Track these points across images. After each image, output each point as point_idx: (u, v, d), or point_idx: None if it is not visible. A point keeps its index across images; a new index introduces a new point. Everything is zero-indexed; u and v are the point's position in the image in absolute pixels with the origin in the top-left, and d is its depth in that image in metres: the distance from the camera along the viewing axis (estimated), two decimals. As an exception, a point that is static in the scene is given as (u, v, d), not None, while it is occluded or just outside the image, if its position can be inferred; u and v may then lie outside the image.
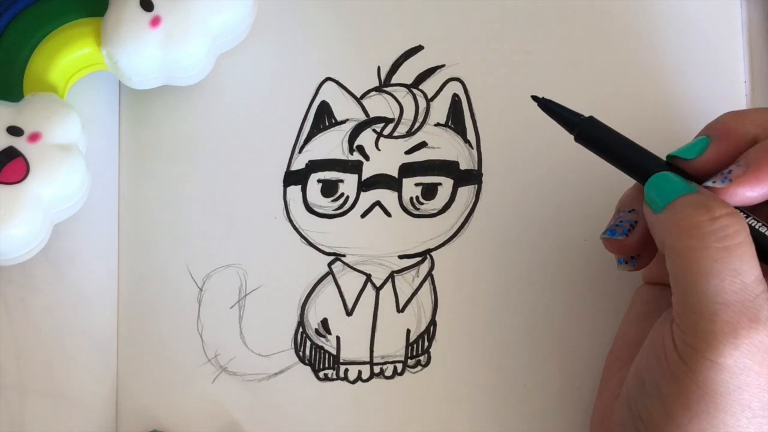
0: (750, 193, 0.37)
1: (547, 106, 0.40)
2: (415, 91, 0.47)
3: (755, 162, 0.37)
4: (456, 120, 0.47)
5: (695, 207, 0.36)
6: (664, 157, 0.39)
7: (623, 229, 0.39)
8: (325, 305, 0.46)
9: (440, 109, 0.47)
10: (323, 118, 0.47)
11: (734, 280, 0.34)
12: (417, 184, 0.46)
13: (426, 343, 0.45)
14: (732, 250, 0.34)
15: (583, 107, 0.47)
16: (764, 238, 0.36)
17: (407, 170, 0.47)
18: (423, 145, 0.47)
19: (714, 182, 0.37)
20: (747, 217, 0.37)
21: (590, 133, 0.40)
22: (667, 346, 0.35)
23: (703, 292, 0.34)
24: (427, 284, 0.46)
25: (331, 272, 0.46)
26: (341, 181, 0.47)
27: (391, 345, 0.45)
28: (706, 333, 0.34)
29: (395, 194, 0.46)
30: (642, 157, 0.39)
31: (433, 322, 0.45)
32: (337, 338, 0.45)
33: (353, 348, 0.45)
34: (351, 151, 0.47)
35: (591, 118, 0.40)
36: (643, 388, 0.36)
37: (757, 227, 0.37)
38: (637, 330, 0.41)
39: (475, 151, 0.47)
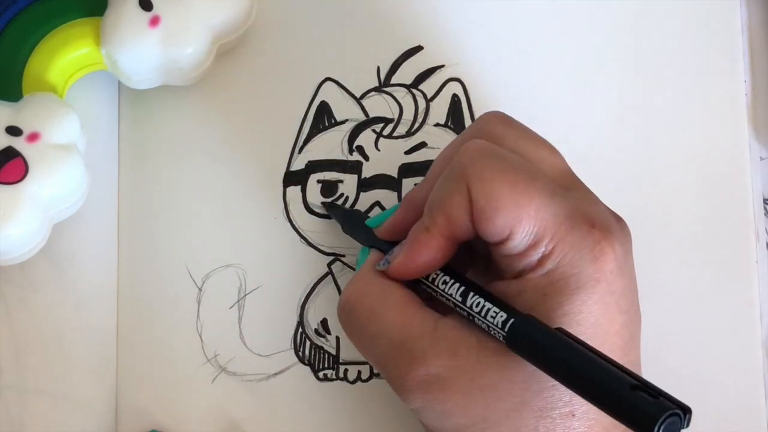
0: (408, 270, 0.39)
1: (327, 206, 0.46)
2: (414, 91, 0.47)
3: (407, 243, 0.39)
4: (456, 120, 0.47)
5: (340, 299, 0.40)
6: None
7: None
8: (325, 305, 0.46)
9: (440, 110, 0.47)
10: (323, 118, 0.47)
11: (383, 339, 0.38)
12: (417, 185, 0.46)
13: (426, 344, 0.45)
14: (367, 319, 0.38)
15: (582, 107, 0.47)
16: (444, 296, 0.38)
17: (407, 170, 0.46)
18: (422, 145, 0.47)
19: (381, 265, 0.40)
20: (436, 275, 0.39)
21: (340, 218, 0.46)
22: None
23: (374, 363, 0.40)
24: (426, 284, 0.46)
25: (330, 272, 0.46)
26: (341, 181, 0.47)
27: (391, 345, 0.45)
28: (394, 379, 0.38)
29: (395, 194, 0.46)
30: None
31: (432, 323, 0.45)
32: (337, 338, 0.45)
33: (353, 348, 0.45)
34: (351, 151, 0.47)
35: (331, 204, 0.46)
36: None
37: (437, 286, 0.39)
38: None
39: (474, 151, 0.47)
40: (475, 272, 0.41)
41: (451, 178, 0.37)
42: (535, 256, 0.36)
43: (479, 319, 0.36)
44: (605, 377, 0.32)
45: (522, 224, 0.36)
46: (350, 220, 0.45)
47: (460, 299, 0.37)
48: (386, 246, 0.41)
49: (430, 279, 0.39)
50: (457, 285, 0.38)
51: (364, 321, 0.39)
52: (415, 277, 0.39)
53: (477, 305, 0.37)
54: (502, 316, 0.35)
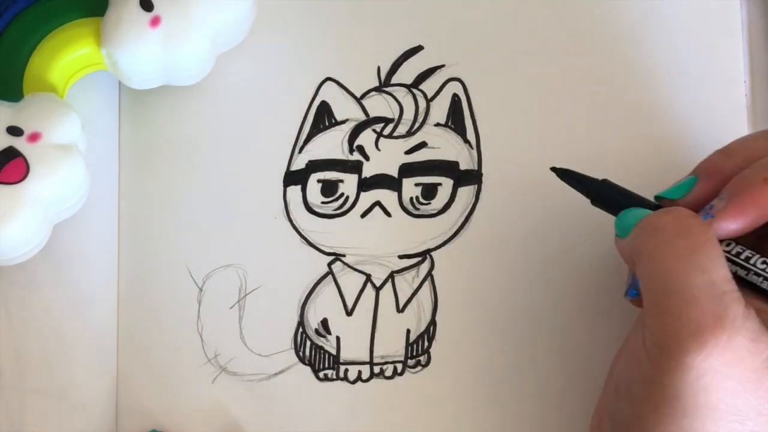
0: (734, 225, 0.36)
1: (566, 174, 0.41)
2: (415, 91, 0.47)
3: (735, 194, 0.36)
4: (456, 120, 0.47)
5: (658, 214, 0.36)
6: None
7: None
8: (325, 305, 0.46)
9: (440, 109, 0.47)
10: (323, 118, 0.47)
11: (701, 276, 0.34)
12: (417, 184, 0.46)
13: (426, 343, 0.45)
14: (698, 247, 0.34)
15: (582, 107, 0.47)
16: (746, 267, 0.37)
17: (407, 170, 0.47)
18: (423, 145, 0.47)
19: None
20: (734, 247, 0.37)
21: (605, 196, 0.40)
22: (638, 348, 0.35)
23: (671, 291, 0.34)
24: (427, 284, 0.46)
25: (330, 272, 0.46)
26: (341, 181, 0.47)
27: (391, 345, 0.45)
28: (673, 332, 0.33)
29: (395, 194, 0.46)
30: (632, 201, 0.40)
31: (433, 322, 0.45)
32: (337, 338, 0.45)
33: (353, 348, 0.45)
34: (351, 151, 0.47)
35: (605, 180, 0.41)
36: (618, 392, 0.36)
37: (742, 258, 0.37)
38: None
39: (475, 151, 0.47)
40: None
41: None
42: None
43: None
44: None
45: None
46: (620, 198, 0.40)
47: (751, 263, 0.36)
48: None
49: (739, 255, 0.37)
50: (743, 249, 0.36)
51: (700, 245, 0.34)
52: (737, 234, 0.36)
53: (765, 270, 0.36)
54: None
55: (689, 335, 0.33)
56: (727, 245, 0.37)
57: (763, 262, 0.36)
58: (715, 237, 0.35)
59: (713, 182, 0.38)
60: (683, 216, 0.35)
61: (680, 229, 0.35)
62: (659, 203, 0.39)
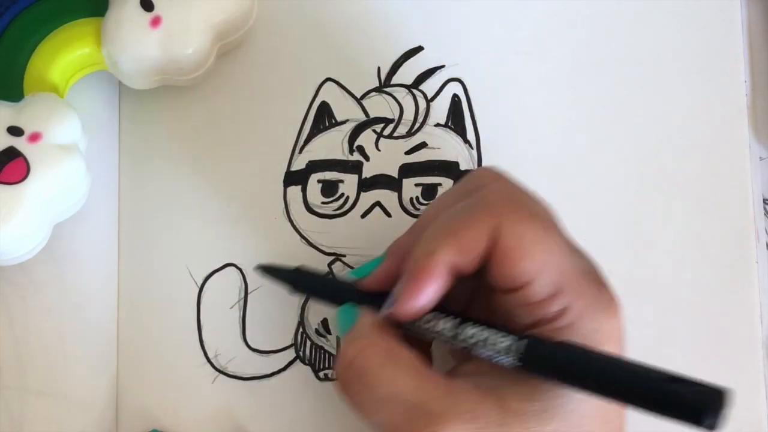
0: (416, 304, 0.36)
1: (265, 270, 0.43)
2: (415, 91, 0.47)
3: (408, 274, 0.36)
4: (456, 120, 0.47)
5: (337, 360, 0.37)
6: None
7: None
8: (325, 305, 0.46)
9: (440, 110, 0.47)
10: (323, 118, 0.47)
11: (395, 404, 0.35)
12: (417, 185, 0.46)
13: (426, 343, 0.45)
14: (373, 381, 0.35)
15: (582, 107, 0.47)
16: (436, 335, 0.37)
17: (407, 170, 0.47)
18: (423, 145, 0.47)
19: (385, 310, 0.37)
20: (431, 318, 0.37)
21: (302, 282, 0.42)
22: None
23: (382, 428, 0.35)
24: (427, 284, 0.46)
25: (330, 272, 0.46)
26: (341, 181, 0.47)
27: (391, 345, 0.45)
28: None
29: (395, 194, 0.46)
30: (342, 289, 0.40)
31: (432, 323, 0.45)
32: (337, 338, 0.45)
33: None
34: (351, 151, 0.47)
35: (298, 268, 0.42)
36: None
37: (429, 329, 0.37)
38: None
39: (475, 152, 0.47)
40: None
41: (475, 208, 0.36)
42: (554, 307, 0.35)
43: (481, 349, 0.35)
44: (640, 375, 0.32)
45: (546, 272, 0.35)
46: (315, 283, 0.42)
47: (450, 334, 0.36)
48: (367, 300, 0.39)
49: (422, 323, 0.37)
50: (448, 321, 0.36)
51: (372, 382, 0.35)
52: (423, 313, 0.37)
53: (471, 336, 0.36)
54: (505, 340, 0.35)
55: None
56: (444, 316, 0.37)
57: (426, 321, 0.37)
58: (388, 354, 0.36)
59: (395, 260, 0.39)
60: (348, 362, 0.36)
61: (353, 375, 0.36)
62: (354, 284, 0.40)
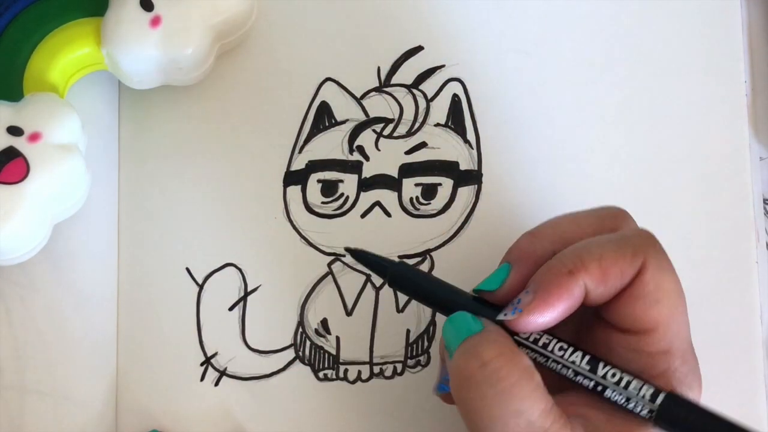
0: (541, 319, 0.36)
1: (358, 255, 0.41)
2: (415, 91, 0.47)
3: (541, 287, 0.36)
4: (456, 120, 0.47)
5: (467, 356, 0.35)
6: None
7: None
8: (325, 305, 0.46)
9: (440, 110, 0.47)
10: (323, 118, 0.47)
11: (518, 421, 0.34)
12: (417, 185, 0.46)
13: (426, 343, 0.45)
14: (507, 392, 0.34)
15: (582, 107, 0.47)
16: (561, 363, 0.36)
17: (407, 170, 0.47)
18: (423, 145, 0.47)
19: (506, 314, 0.37)
20: (549, 340, 0.37)
21: (400, 277, 0.40)
22: None
23: None
24: (427, 284, 0.46)
25: (330, 272, 0.46)
26: (341, 181, 0.47)
27: (391, 345, 0.45)
28: None
29: (395, 194, 0.46)
30: (450, 295, 0.39)
31: (432, 322, 0.45)
32: (337, 338, 0.45)
33: (353, 348, 0.45)
34: (351, 151, 0.47)
35: (401, 262, 0.41)
36: None
37: (553, 353, 0.36)
38: None
39: (475, 151, 0.47)
40: None
41: (627, 243, 0.36)
42: (663, 363, 0.36)
43: (614, 391, 0.35)
44: None
45: (671, 326, 0.35)
46: (418, 284, 0.40)
47: (587, 368, 0.36)
48: (484, 311, 0.38)
49: (540, 344, 0.37)
50: (579, 353, 0.36)
51: (506, 392, 0.34)
52: (546, 327, 0.36)
53: (612, 375, 0.35)
54: (648, 389, 0.35)
55: None
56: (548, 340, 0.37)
57: (561, 348, 0.36)
58: (526, 373, 0.35)
59: (525, 269, 0.38)
60: (487, 361, 0.35)
61: (486, 376, 0.35)
62: (479, 295, 0.39)
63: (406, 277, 0.40)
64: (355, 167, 0.47)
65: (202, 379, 0.45)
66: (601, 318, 0.37)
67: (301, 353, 0.45)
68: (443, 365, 0.40)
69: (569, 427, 0.35)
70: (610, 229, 0.38)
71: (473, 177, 0.46)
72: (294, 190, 0.47)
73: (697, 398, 0.37)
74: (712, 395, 0.44)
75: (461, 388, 0.35)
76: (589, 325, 0.38)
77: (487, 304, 0.38)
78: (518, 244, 0.39)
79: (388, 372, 0.45)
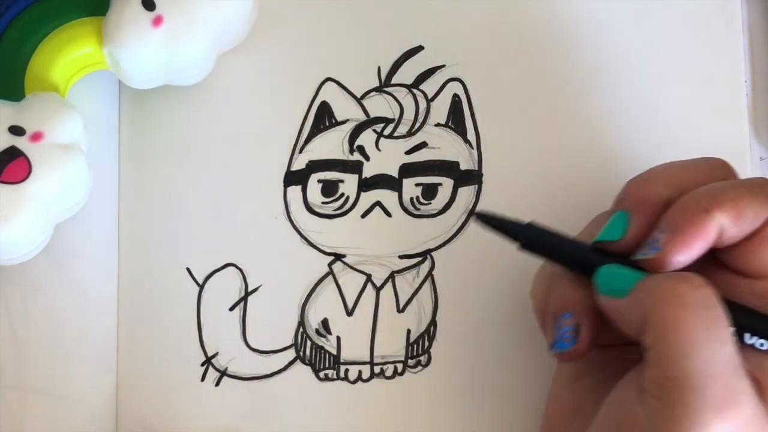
0: (681, 258, 0.36)
1: (487, 220, 0.40)
2: (415, 91, 0.47)
3: (679, 226, 0.36)
4: (456, 120, 0.47)
5: (675, 280, 0.35)
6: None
7: (570, 337, 0.38)
8: (326, 305, 0.46)
9: (440, 110, 0.47)
10: (323, 118, 0.47)
11: (722, 349, 0.33)
12: (417, 185, 0.46)
13: (426, 343, 0.45)
14: (720, 318, 0.34)
15: (584, 107, 0.47)
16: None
17: (407, 170, 0.47)
18: (423, 145, 0.47)
19: (645, 254, 0.36)
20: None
21: (533, 240, 0.39)
22: (636, 422, 0.34)
23: (692, 365, 0.33)
24: (427, 284, 0.46)
25: (331, 272, 0.46)
26: (341, 181, 0.47)
27: (392, 345, 0.45)
28: (693, 407, 0.32)
29: (395, 194, 0.46)
30: (581, 253, 0.39)
31: (433, 322, 0.45)
32: (338, 338, 0.45)
33: (353, 348, 0.45)
34: (351, 151, 0.47)
35: (530, 224, 0.40)
36: None
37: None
38: (571, 392, 0.40)
39: (475, 151, 0.47)
40: None
41: (760, 187, 0.36)
42: None
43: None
44: None
45: None
46: (552, 243, 0.39)
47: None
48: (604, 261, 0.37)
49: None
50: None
51: (721, 316, 0.34)
52: (682, 266, 0.36)
53: None
54: None
55: (712, 410, 0.32)
56: None
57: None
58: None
59: (644, 215, 0.37)
60: (699, 285, 0.34)
61: (701, 299, 0.34)
62: (599, 247, 0.38)
63: (539, 241, 0.39)
64: (355, 167, 0.47)
65: (203, 379, 0.45)
66: (721, 263, 0.37)
67: (301, 353, 0.45)
68: (548, 324, 0.39)
69: (744, 376, 0.34)
70: (721, 177, 0.38)
71: (473, 177, 0.46)
72: (294, 190, 0.47)
73: None
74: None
75: (671, 307, 0.34)
76: (704, 270, 0.37)
77: (603, 254, 0.38)
78: (629, 192, 0.39)
79: (389, 372, 0.45)
